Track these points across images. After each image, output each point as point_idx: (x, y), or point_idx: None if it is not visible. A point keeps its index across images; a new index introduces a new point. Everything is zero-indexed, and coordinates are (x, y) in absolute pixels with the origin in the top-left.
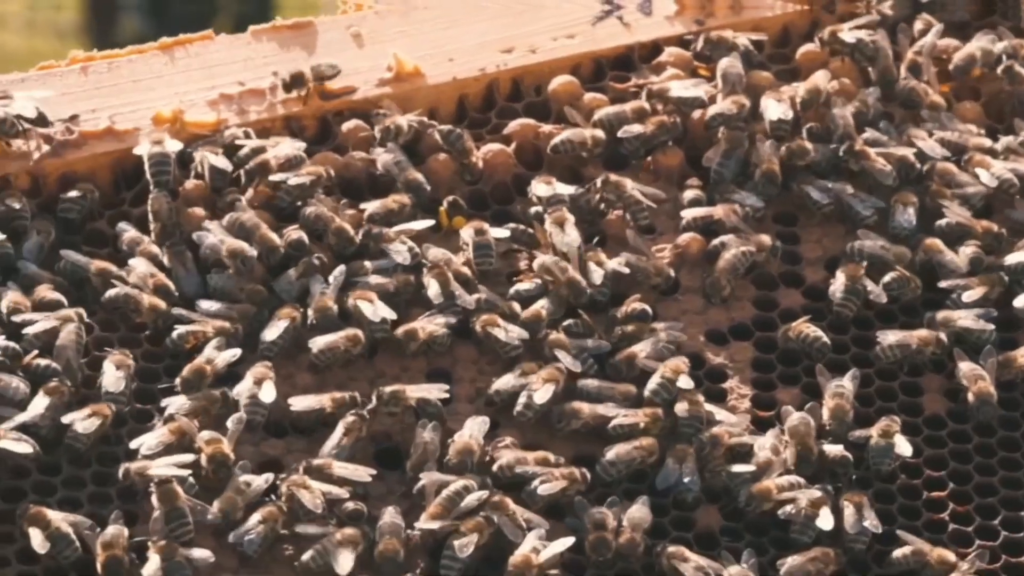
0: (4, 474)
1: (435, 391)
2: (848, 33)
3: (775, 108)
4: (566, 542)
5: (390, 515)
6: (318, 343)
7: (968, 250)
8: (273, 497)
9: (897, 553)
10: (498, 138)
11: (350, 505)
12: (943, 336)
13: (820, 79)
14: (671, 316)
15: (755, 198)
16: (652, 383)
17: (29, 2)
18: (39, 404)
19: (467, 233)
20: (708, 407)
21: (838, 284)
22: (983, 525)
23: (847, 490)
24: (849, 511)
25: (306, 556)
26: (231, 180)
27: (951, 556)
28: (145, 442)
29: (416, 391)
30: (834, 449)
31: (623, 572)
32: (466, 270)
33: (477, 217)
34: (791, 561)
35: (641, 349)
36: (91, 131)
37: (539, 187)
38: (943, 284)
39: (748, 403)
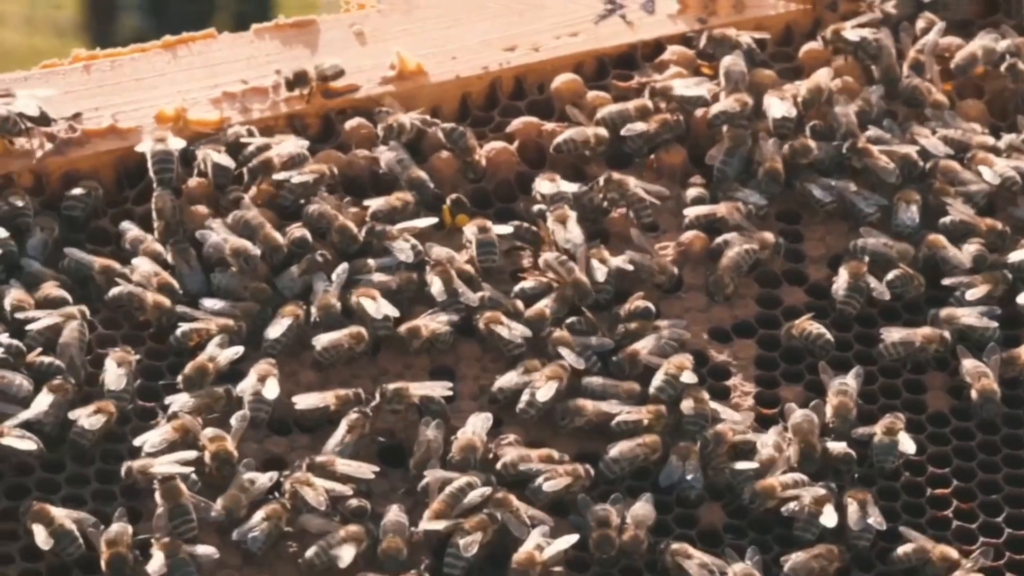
0: (8, 471)
1: (438, 388)
2: (851, 31)
3: (778, 106)
4: (570, 539)
5: (394, 513)
6: (322, 341)
7: (971, 248)
8: (277, 495)
9: (899, 551)
10: (501, 136)
11: (354, 502)
12: (947, 334)
13: (822, 77)
14: (674, 314)
15: (758, 196)
16: (657, 379)
17: (29, 0)
18: (43, 401)
19: (470, 230)
20: (713, 405)
21: (841, 282)
22: (987, 522)
23: (851, 487)
24: (853, 508)
25: (310, 552)
26: (234, 178)
27: (954, 553)
28: (149, 440)
29: (419, 388)
30: (838, 446)
31: (627, 569)
32: (469, 268)
33: (480, 215)
34: (795, 558)
35: (643, 346)
36: (94, 129)
37: (543, 185)
38: (946, 281)
39: (751, 400)
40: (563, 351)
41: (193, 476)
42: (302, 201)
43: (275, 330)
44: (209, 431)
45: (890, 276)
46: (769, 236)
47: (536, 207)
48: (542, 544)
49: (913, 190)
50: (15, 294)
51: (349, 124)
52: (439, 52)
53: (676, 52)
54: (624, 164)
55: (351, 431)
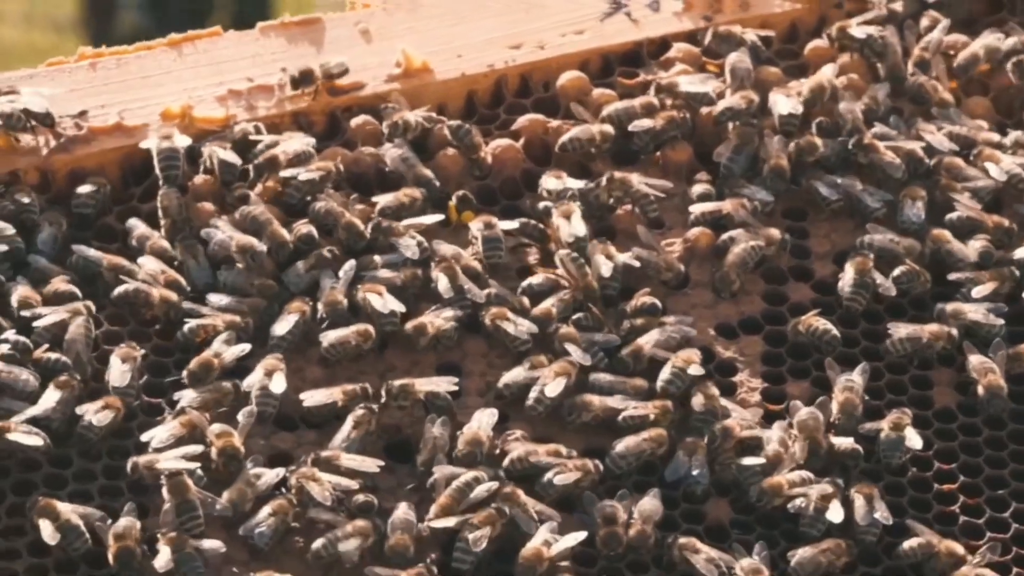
0: (15, 467)
1: (444, 384)
2: (858, 29)
3: (784, 103)
4: (578, 536)
5: (403, 511)
6: (329, 337)
7: (977, 244)
8: (283, 491)
9: (905, 545)
10: (507, 134)
11: (360, 497)
12: (954, 331)
13: (824, 76)
14: (681, 310)
15: (765, 192)
16: (665, 373)
17: None
18: (50, 398)
19: (476, 227)
20: (723, 402)
21: (847, 278)
22: (993, 518)
23: (857, 482)
24: (860, 503)
25: (317, 544)
26: (240, 175)
27: (960, 548)
28: (156, 435)
29: (425, 384)
30: (844, 442)
31: (634, 564)
32: (476, 264)
33: (486, 212)
34: (802, 552)
35: (647, 340)
36: (100, 127)
37: (549, 181)
38: (953, 276)
39: (758, 396)
40: (569, 347)
41: (199, 472)
42: (309, 198)
43: (281, 327)
44: (216, 427)
45: (896, 272)
46: (775, 232)
47: (542, 204)
48: (550, 540)
49: (919, 186)
50: (22, 291)
51: (355, 121)
52: (445, 50)
53: (681, 50)
54: (630, 161)
55: (357, 427)
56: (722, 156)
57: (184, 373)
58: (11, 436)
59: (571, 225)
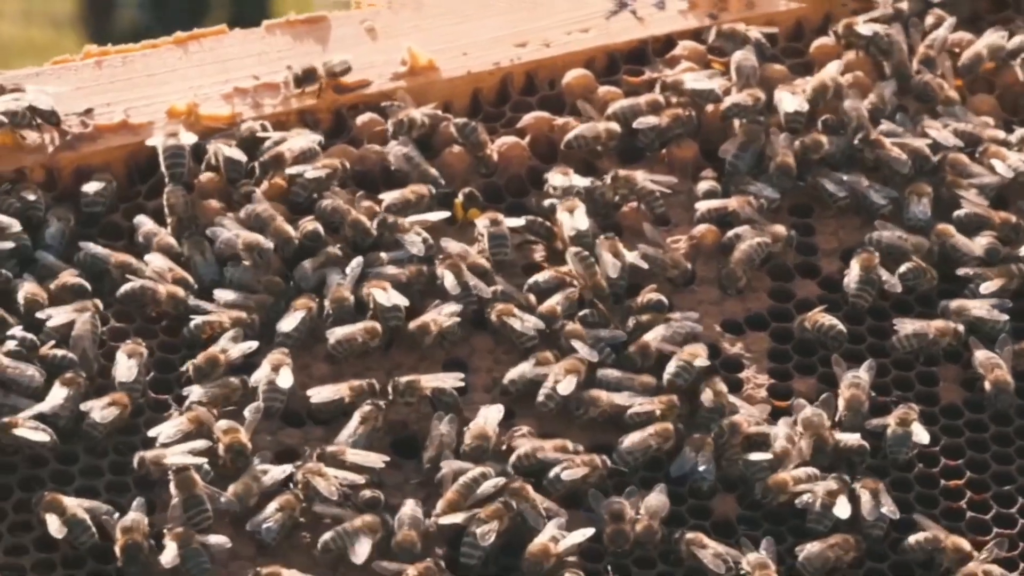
0: (22, 463)
1: (450, 380)
2: (864, 26)
3: (790, 101)
4: (585, 533)
5: (411, 507)
6: (335, 334)
7: (983, 240)
8: (290, 485)
9: (911, 539)
10: (513, 131)
11: (367, 493)
12: (959, 327)
13: (828, 74)
14: (687, 307)
15: (770, 190)
16: (671, 366)
17: None
18: (57, 395)
19: (482, 224)
20: (732, 398)
21: (853, 275)
22: (1000, 513)
23: (864, 477)
24: (866, 498)
25: (326, 536)
26: (246, 172)
27: (966, 545)
28: (163, 431)
29: (431, 380)
30: (851, 438)
31: (641, 559)
32: (483, 261)
33: (492, 209)
34: (810, 548)
35: (653, 336)
36: (106, 124)
37: (556, 178)
38: (961, 272)
39: (764, 393)
40: (576, 343)
41: (206, 467)
42: (315, 196)
43: (287, 324)
44: (223, 423)
45: (902, 269)
46: (781, 229)
47: (547, 201)
48: (557, 536)
49: (925, 183)
50: (29, 287)
51: (361, 119)
52: (450, 48)
53: (687, 47)
54: (635, 159)
55: (364, 423)
56: (728, 153)
57: (189, 367)
58: (18, 432)
59: (574, 219)
